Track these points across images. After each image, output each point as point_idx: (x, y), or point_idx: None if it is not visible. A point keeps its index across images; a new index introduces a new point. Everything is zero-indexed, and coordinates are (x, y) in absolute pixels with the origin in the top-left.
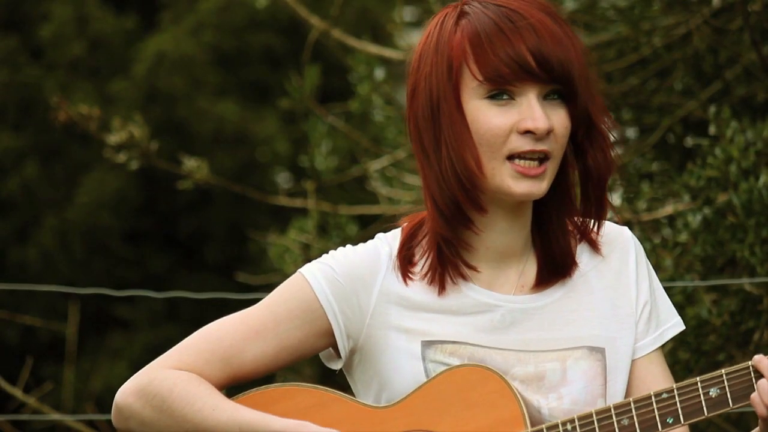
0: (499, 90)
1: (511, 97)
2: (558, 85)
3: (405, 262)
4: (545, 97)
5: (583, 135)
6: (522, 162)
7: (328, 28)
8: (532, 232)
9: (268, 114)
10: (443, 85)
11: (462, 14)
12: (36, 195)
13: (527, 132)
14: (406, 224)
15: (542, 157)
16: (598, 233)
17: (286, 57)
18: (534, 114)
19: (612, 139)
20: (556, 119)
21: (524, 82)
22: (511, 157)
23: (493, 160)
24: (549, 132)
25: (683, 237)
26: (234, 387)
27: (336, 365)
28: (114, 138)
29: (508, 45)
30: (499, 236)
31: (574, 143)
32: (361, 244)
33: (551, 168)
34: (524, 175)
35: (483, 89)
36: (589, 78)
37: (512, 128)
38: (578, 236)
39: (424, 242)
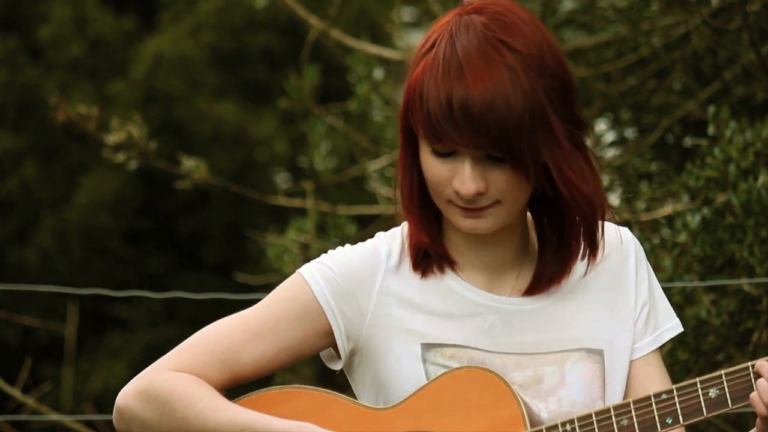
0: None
1: (453, 152)
2: (493, 153)
3: (415, 253)
4: (489, 155)
5: (550, 183)
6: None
7: (326, 28)
8: (538, 240)
9: (267, 114)
10: (401, 119)
11: (434, 45)
12: (35, 195)
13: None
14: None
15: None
16: (593, 260)
17: (285, 57)
18: (462, 176)
19: (594, 163)
20: (496, 176)
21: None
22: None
23: (440, 202)
24: (480, 193)
25: (682, 237)
26: (234, 389)
27: (336, 366)
28: (112, 138)
29: (443, 116)
30: (486, 252)
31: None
32: (360, 244)
33: (498, 211)
34: (466, 215)
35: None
36: (548, 128)
37: (449, 180)
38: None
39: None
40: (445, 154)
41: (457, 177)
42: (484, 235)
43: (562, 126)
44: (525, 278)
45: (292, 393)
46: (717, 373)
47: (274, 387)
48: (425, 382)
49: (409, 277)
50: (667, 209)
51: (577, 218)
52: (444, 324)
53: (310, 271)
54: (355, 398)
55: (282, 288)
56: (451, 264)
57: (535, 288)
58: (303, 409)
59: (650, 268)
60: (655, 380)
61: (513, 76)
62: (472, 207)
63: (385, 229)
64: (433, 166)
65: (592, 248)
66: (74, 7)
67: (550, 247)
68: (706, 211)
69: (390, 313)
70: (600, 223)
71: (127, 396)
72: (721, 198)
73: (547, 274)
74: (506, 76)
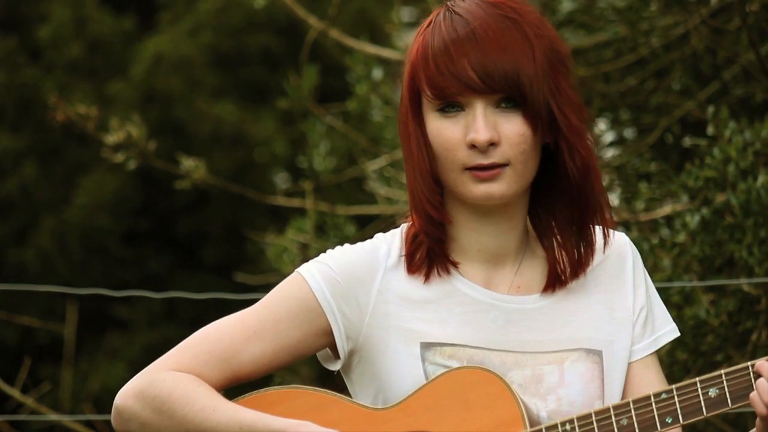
0: (447, 103)
1: (461, 108)
2: (505, 94)
3: (410, 259)
4: (498, 106)
5: (554, 139)
6: (476, 171)
7: (326, 28)
8: (540, 236)
9: (266, 114)
10: (406, 96)
11: (431, 22)
12: (34, 196)
13: (472, 145)
14: (409, 223)
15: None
16: (605, 242)
17: (284, 57)
18: (475, 125)
19: (594, 138)
20: (507, 127)
21: (469, 95)
22: (465, 169)
23: (452, 171)
24: (493, 143)
25: (681, 237)
26: (233, 389)
27: (334, 366)
28: (112, 138)
29: (451, 62)
30: (488, 238)
31: (553, 149)
32: (359, 243)
33: (510, 173)
34: (480, 179)
35: (435, 103)
36: (553, 79)
37: (462, 140)
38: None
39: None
40: (453, 107)
41: (470, 130)
42: (488, 221)
43: (568, 92)
44: (523, 275)
45: (292, 393)
46: (717, 373)
47: (273, 387)
48: (424, 381)
49: (408, 275)
50: (667, 209)
51: (572, 186)
52: (443, 322)
53: (309, 271)
54: (352, 398)
55: (281, 287)
56: (451, 253)
57: (553, 284)
58: (302, 408)
59: (647, 272)
60: (653, 382)
61: (518, 27)
62: (487, 164)
63: (385, 229)
64: (443, 130)
65: (587, 217)
66: (74, 7)
67: (569, 238)
68: (705, 211)
69: (389, 312)
70: (597, 191)
71: (126, 395)
72: (720, 198)
73: (565, 268)
74: (511, 25)
